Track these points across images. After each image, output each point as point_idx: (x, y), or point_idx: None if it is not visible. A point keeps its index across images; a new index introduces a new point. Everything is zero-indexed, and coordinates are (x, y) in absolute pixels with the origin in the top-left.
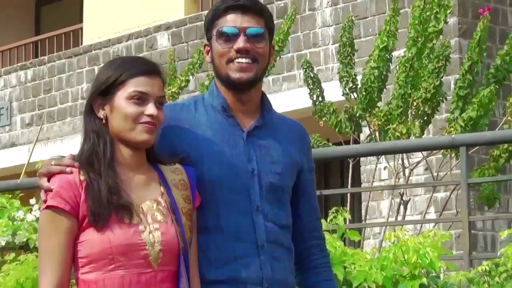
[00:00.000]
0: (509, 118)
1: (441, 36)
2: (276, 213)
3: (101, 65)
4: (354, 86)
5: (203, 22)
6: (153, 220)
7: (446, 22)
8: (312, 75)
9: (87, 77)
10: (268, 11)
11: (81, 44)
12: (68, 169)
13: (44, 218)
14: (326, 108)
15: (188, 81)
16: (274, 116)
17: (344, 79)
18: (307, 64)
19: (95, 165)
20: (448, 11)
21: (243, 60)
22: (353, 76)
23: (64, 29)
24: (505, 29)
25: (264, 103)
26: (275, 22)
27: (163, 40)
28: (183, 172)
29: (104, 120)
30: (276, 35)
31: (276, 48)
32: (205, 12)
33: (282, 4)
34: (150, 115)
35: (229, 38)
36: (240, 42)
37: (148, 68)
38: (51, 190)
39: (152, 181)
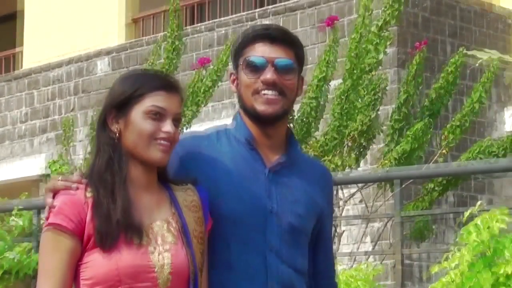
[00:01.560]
0: (443, 151)
1: (380, 67)
2: (291, 256)
3: (40, 89)
4: (290, 117)
5: (143, 48)
6: (163, 242)
7: (385, 54)
8: None
9: (26, 101)
10: (299, 42)
11: (21, 68)
12: (74, 186)
13: (45, 236)
14: None
15: None
16: (298, 154)
17: None
18: None
19: (108, 181)
20: (388, 43)
21: (270, 92)
22: None
23: (3, 52)
24: (443, 60)
25: (290, 139)
26: (215, 50)
27: (103, 65)
28: (195, 192)
29: (117, 135)
30: (214, 65)
31: (215, 77)
32: (146, 38)
33: (223, 31)
34: (167, 132)
35: (256, 68)
36: (268, 74)
37: (168, 83)
38: (54, 208)
39: (162, 201)
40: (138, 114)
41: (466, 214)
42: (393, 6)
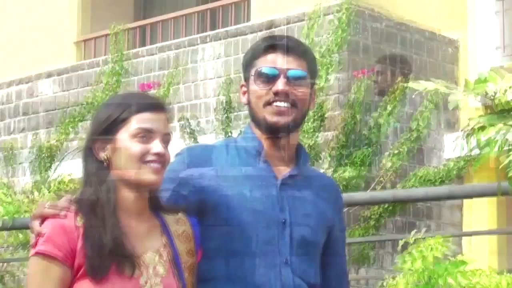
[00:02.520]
0: (381, 179)
1: (321, 93)
2: (305, 269)
3: None
4: None
5: (89, 70)
6: (155, 274)
7: (328, 81)
8: (189, 131)
9: None
10: (312, 53)
11: None
12: (62, 213)
13: (34, 265)
14: None
15: (68, 133)
16: (308, 168)
17: (220, 136)
18: (184, 120)
19: (98, 210)
20: (331, 69)
21: (282, 104)
22: (229, 134)
23: None
24: (386, 87)
25: (299, 152)
26: (157, 74)
27: (48, 87)
28: (187, 222)
29: (105, 163)
30: (156, 92)
31: None
32: (88, 61)
33: (165, 56)
34: (157, 154)
35: (268, 79)
36: (280, 85)
37: (153, 103)
38: (42, 235)
39: (154, 230)
40: (125, 137)
41: (401, 242)
42: (337, 32)
